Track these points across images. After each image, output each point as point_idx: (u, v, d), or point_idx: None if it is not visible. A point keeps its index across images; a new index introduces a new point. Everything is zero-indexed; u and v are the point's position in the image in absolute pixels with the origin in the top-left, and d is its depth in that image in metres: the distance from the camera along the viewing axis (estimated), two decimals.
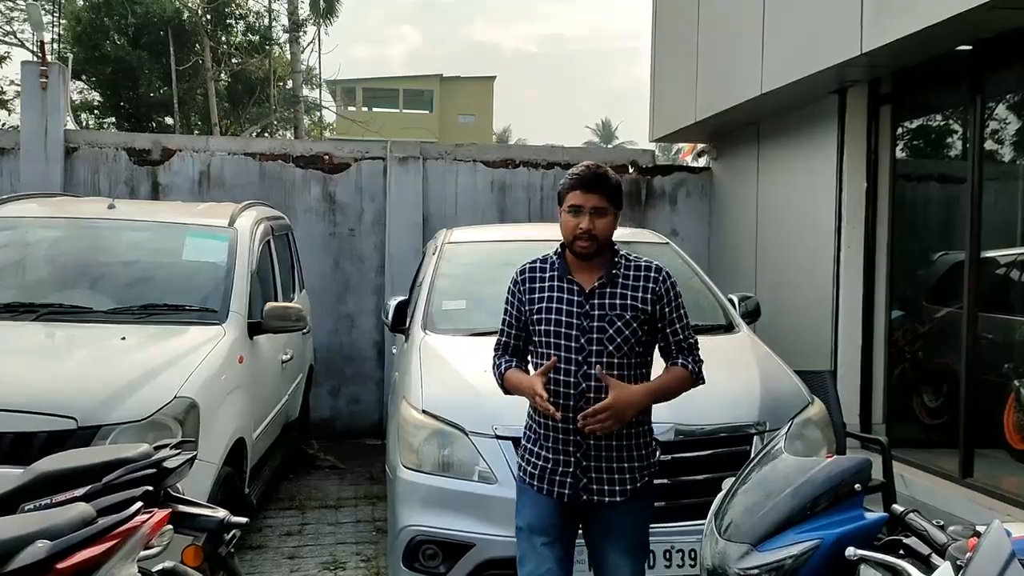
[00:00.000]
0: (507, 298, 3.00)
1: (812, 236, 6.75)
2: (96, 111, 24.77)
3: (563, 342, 2.80)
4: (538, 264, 2.96)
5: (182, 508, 2.41)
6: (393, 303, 5.15)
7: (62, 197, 6.04)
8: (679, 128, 8.42)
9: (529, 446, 2.92)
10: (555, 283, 2.88)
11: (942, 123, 6.73)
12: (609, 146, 51.13)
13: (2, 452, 3.55)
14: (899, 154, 6.47)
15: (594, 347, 2.78)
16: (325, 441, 7.36)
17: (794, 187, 7.08)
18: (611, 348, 2.78)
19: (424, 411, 3.78)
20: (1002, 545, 1.23)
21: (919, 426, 6.74)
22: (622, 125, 66.52)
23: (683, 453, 3.60)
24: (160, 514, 2.13)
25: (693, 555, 3.49)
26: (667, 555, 3.52)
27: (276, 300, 5.64)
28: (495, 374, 3.00)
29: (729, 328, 4.75)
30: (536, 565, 2.83)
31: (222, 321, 4.70)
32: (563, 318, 2.82)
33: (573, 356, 2.79)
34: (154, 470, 2.37)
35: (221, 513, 2.49)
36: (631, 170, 8.46)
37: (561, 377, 2.80)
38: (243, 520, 2.53)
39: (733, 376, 4.13)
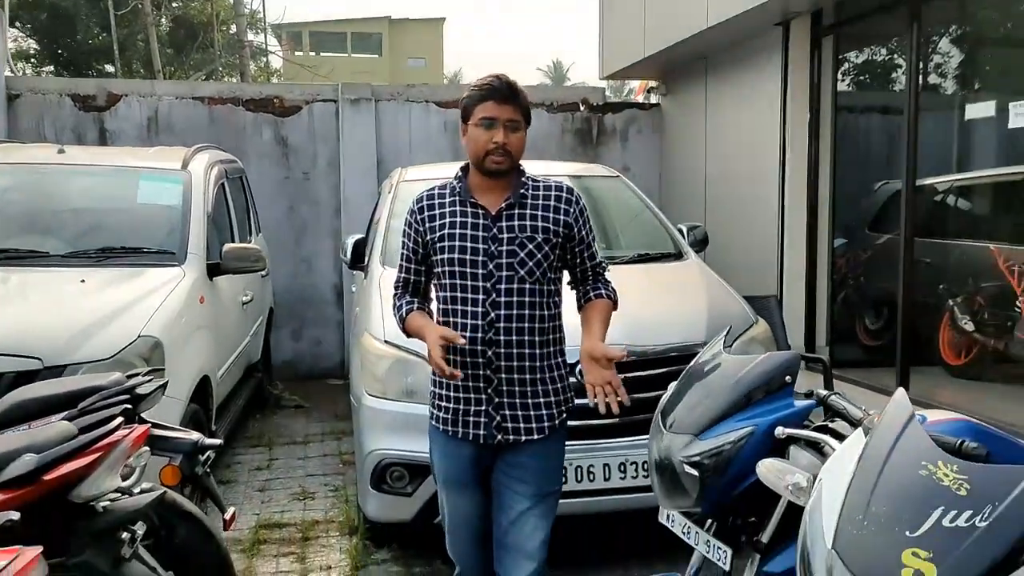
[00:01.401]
0: (404, 230, 2.75)
1: (758, 168, 6.93)
2: (33, 60, 23.98)
3: (469, 270, 2.58)
4: (436, 190, 2.71)
5: (157, 431, 2.51)
6: (351, 241, 5.22)
7: (8, 144, 5.95)
8: (628, 65, 8.48)
9: (439, 390, 2.70)
10: (457, 208, 2.63)
11: (881, 53, 6.90)
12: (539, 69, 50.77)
13: None
14: (841, 85, 6.64)
15: (503, 273, 2.56)
16: (289, 382, 7.46)
17: (740, 120, 7.24)
18: (522, 273, 2.57)
19: (386, 341, 3.90)
20: (903, 408, 1.40)
21: (861, 348, 7.04)
22: (573, 66, 66.00)
23: (635, 372, 3.77)
24: (140, 429, 2.24)
25: (646, 466, 3.69)
26: (622, 467, 3.72)
27: (233, 243, 5.67)
28: (396, 316, 2.78)
29: (679, 256, 4.92)
30: (452, 513, 2.73)
31: (181, 263, 4.75)
32: (468, 244, 2.59)
33: (481, 284, 2.57)
34: (127, 396, 2.46)
35: (195, 435, 2.60)
36: (582, 108, 8.54)
37: (468, 308, 2.58)
38: (217, 442, 2.65)
39: (682, 300, 4.31)
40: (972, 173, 6.39)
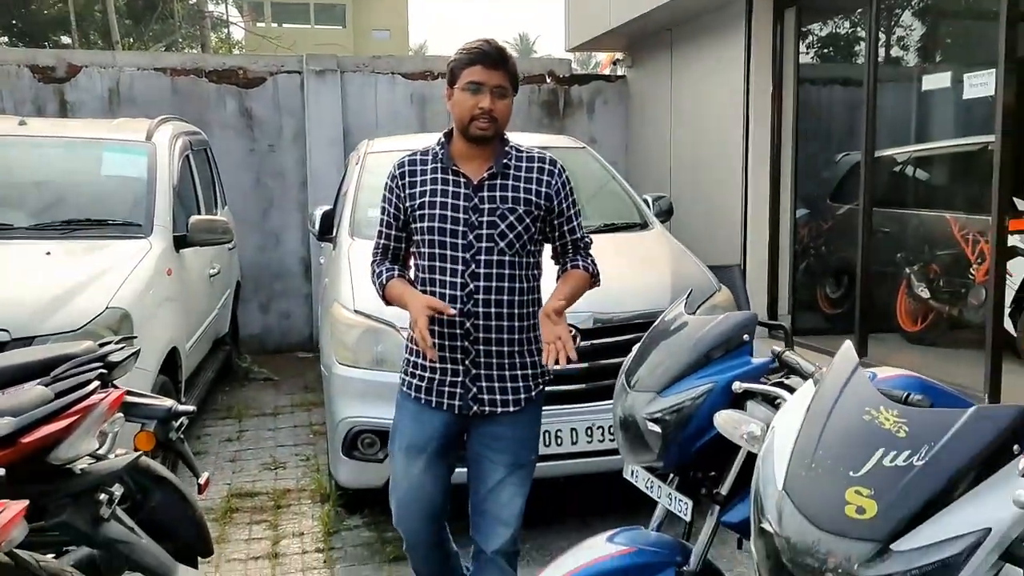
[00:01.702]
0: (384, 195, 2.68)
1: (722, 139, 7.02)
2: None
3: (449, 239, 2.53)
4: (418, 156, 2.64)
5: (131, 398, 2.54)
6: (319, 212, 5.23)
7: None
8: (594, 36, 8.52)
9: (414, 359, 2.65)
10: (439, 175, 2.57)
11: (843, 25, 7.01)
12: (514, 41, 50.55)
13: None
14: (803, 57, 6.73)
15: (484, 244, 2.52)
16: (258, 355, 7.46)
17: (705, 91, 7.31)
18: (502, 245, 2.53)
19: (356, 311, 3.94)
20: (849, 360, 1.48)
21: (822, 316, 7.21)
22: (540, 39, 65.64)
23: (601, 339, 3.86)
24: (115, 393, 2.27)
25: (612, 430, 3.79)
26: (588, 432, 3.81)
27: (200, 215, 5.65)
28: (375, 283, 2.71)
29: (644, 226, 5.00)
30: (405, 483, 2.66)
31: (147, 235, 4.73)
32: (449, 212, 2.53)
33: (460, 254, 2.53)
34: (100, 364, 2.48)
35: (169, 402, 2.64)
36: (548, 80, 8.56)
37: (447, 278, 2.54)
38: (191, 408, 2.69)
39: (646, 268, 4.39)
40: (929, 144, 6.55)
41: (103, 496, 2.10)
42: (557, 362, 2.38)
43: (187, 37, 26.31)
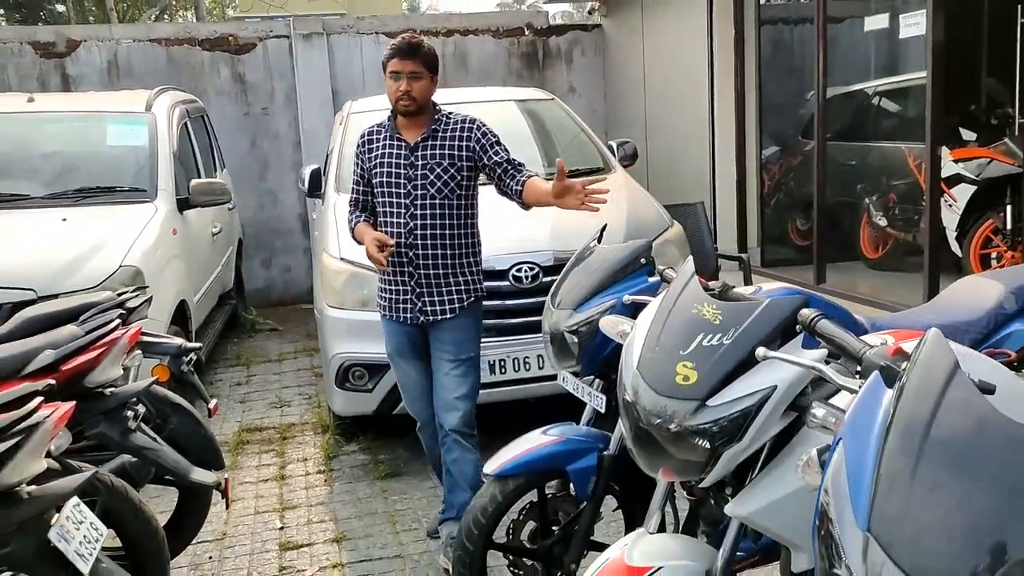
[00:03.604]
0: (354, 159, 3.42)
1: (689, 84, 7.38)
2: None
3: (393, 190, 3.24)
4: (375, 128, 3.38)
5: (147, 337, 3.02)
6: (307, 171, 5.64)
7: None
8: None
9: (381, 285, 3.39)
10: (387, 142, 3.30)
11: None
12: (524, 6, 50.12)
13: None
14: (763, 1, 7.05)
15: (418, 192, 3.21)
16: (263, 308, 7.95)
17: (673, 38, 7.64)
18: (432, 191, 3.21)
19: (342, 259, 4.40)
20: (688, 270, 1.91)
21: (793, 248, 7.62)
22: None
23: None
24: (134, 327, 2.74)
25: None
26: (540, 360, 4.26)
27: (199, 179, 6.09)
28: (349, 227, 3.45)
29: (607, 170, 5.41)
30: (403, 379, 3.46)
31: (152, 199, 5.18)
32: (393, 170, 3.25)
33: (402, 200, 3.23)
34: (120, 309, 2.95)
35: (179, 340, 3.11)
36: (527, 32, 8.88)
37: (393, 219, 3.25)
38: (198, 344, 3.16)
39: (605, 209, 4.80)
40: (882, 80, 6.89)
41: (129, 412, 2.58)
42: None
43: (179, 1, 26.37)
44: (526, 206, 3.31)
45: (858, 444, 1.16)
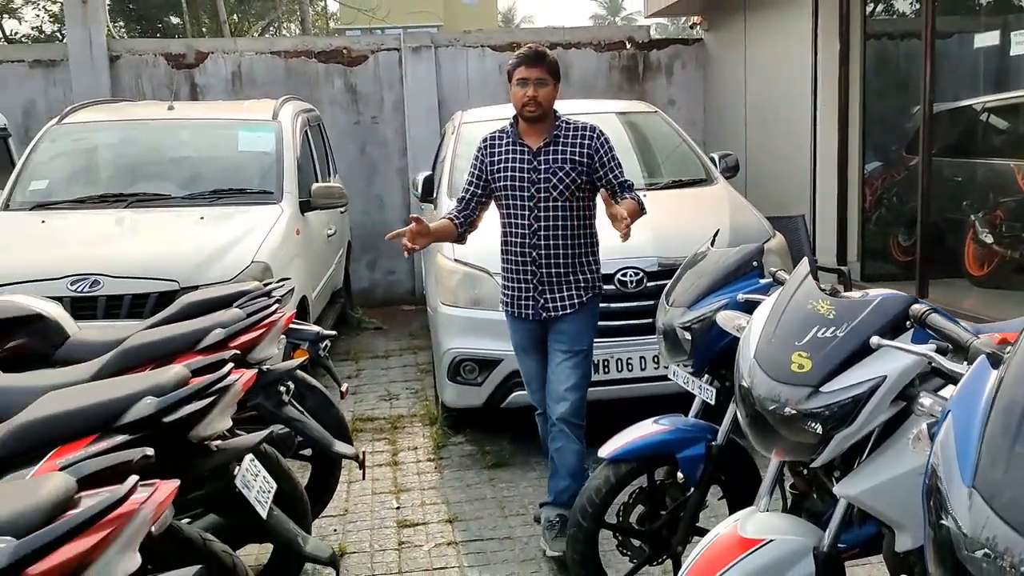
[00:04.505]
0: (472, 162, 3.60)
1: (792, 97, 7.43)
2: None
3: (517, 192, 3.43)
4: (497, 133, 3.57)
5: (292, 325, 3.33)
6: (421, 177, 5.99)
7: (123, 102, 6.82)
8: (673, 2, 8.96)
9: (504, 283, 3.58)
10: (510, 147, 3.48)
11: None
12: (618, 19, 50.28)
13: (124, 310, 4.49)
14: (869, 15, 7.07)
15: (541, 195, 3.40)
16: (367, 308, 8.33)
17: (776, 51, 7.72)
18: (554, 194, 3.40)
19: (456, 259, 4.67)
20: (804, 269, 2.07)
21: (894, 263, 7.57)
22: None
23: (664, 280, 4.45)
24: (289, 312, 3.06)
25: None
26: (656, 360, 4.44)
27: (317, 183, 6.48)
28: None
29: (708, 181, 5.55)
30: (527, 370, 3.66)
31: (278, 200, 5.57)
32: (516, 174, 3.43)
33: (526, 203, 3.42)
34: (267, 298, 3.27)
35: (316, 328, 3.43)
36: (628, 46, 9.07)
37: (517, 221, 3.45)
38: (332, 332, 3.48)
39: (707, 218, 4.96)
40: (989, 96, 6.81)
41: (282, 387, 2.89)
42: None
43: (287, 13, 27.50)
44: None
45: (965, 414, 1.31)
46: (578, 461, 3.45)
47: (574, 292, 3.48)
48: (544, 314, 3.47)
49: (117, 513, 1.44)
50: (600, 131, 3.51)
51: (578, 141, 3.44)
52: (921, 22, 6.20)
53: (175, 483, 1.65)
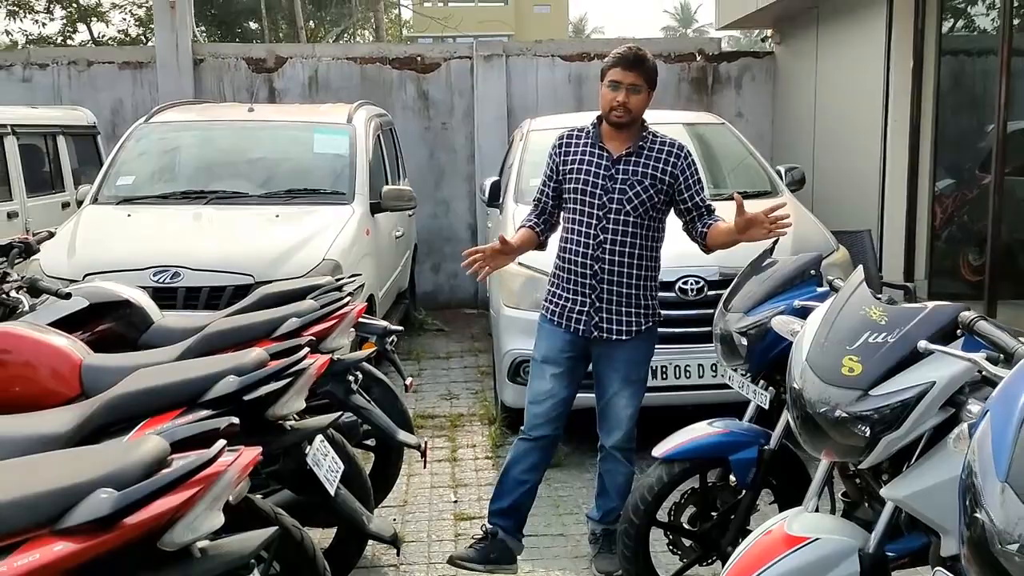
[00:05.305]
0: (547, 161, 3.36)
1: (863, 112, 7.38)
2: None
3: (588, 199, 3.16)
4: (575, 132, 3.30)
5: (361, 319, 3.48)
6: (488, 182, 6.13)
7: (206, 104, 7.13)
8: (743, 16, 8.97)
9: (554, 289, 3.31)
10: (588, 148, 3.22)
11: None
12: (690, 31, 50.04)
13: (202, 301, 4.71)
14: (945, 32, 6.98)
15: (614, 206, 3.14)
16: (430, 310, 8.50)
17: (848, 66, 7.67)
18: (628, 208, 3.13)
19: (519, 263, 4.75)
20: (858, 277, 2.12)
21: (964, 282, 7.44)
22: (701, 8, 64.47)
23: (724, 290, 4.51)
24: (360, 305, 3.21)
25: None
26: (714, 368, 4.48)
27: (389, 185, 6.68)
28: (517, 227, 3.46)
29: (774, 193, 5.57)
30: (540, 386, 3.28)
31: (350, 201, 5.76)
32: (590, 178, 3.17)
33: (595, 212, 3.15)
34: (339, 292, 3.43)
35: (384, 322, 3.59)
36: (698, 58, 9.09)
37: (583, 228, 3.18)
38: (399, 327, 3.63)
39: None
40: None
41: (351, 376, 3.04)
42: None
43: (361, 20, 28.09)
44: (708, 250, 3.30)
45: (1003, 414, 1.36)
46: (627, 483, 3.30)
47: (634, 319, 3.22)
48: (597, 333, 3.21)
49: (206, 473, 1.59)
50: (688, 151, 3.27)
51: (663, 157, 3.20)
52: (997, 40, 6.11)
53: (258, 449, 1.79)
